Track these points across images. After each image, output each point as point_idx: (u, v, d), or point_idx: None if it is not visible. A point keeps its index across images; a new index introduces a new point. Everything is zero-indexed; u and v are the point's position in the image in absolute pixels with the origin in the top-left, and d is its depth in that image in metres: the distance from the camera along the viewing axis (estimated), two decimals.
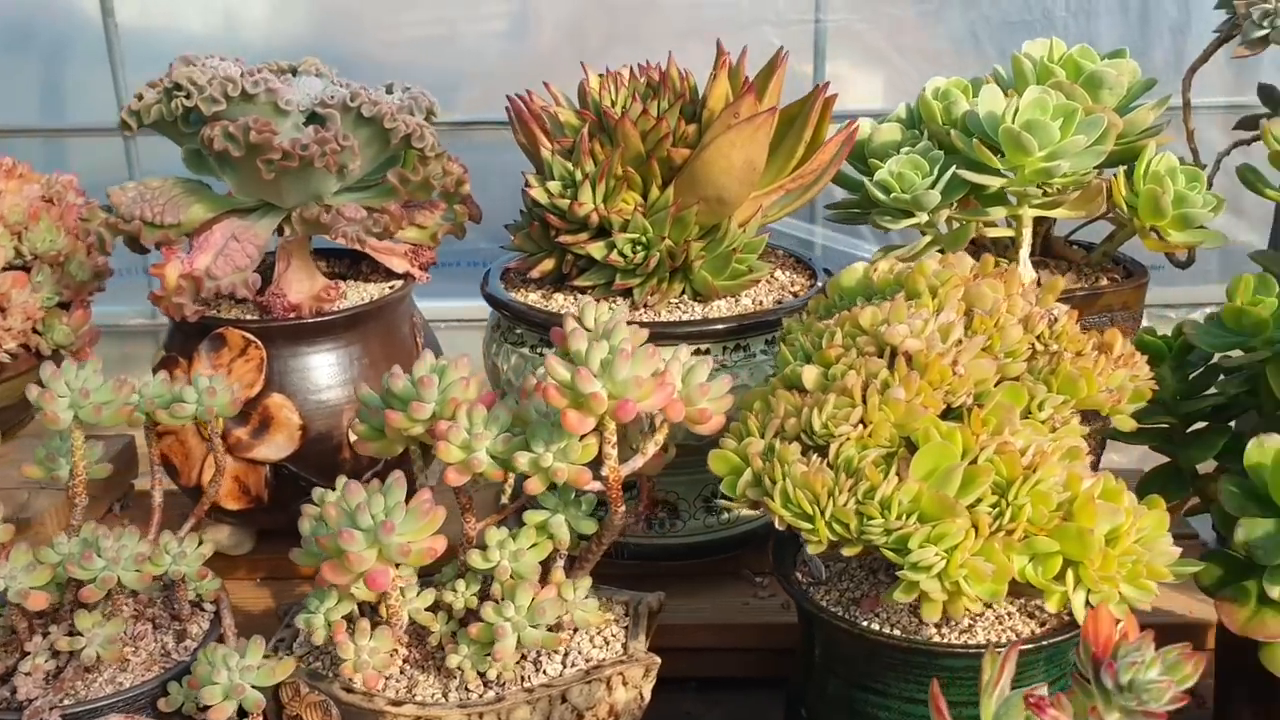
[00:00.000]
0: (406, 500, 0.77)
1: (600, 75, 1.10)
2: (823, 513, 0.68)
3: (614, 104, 1.06)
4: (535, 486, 0.76)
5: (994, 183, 1.02)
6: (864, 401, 0.71)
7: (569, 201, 1.03)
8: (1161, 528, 0.69)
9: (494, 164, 1.41)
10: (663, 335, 1.00)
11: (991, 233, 1.10)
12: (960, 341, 0.73)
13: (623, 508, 0.81)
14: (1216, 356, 0.83)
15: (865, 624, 0.78)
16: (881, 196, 1.05)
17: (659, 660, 0.85)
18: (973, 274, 0.84)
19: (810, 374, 0.75)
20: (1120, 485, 0.70)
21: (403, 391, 0.82)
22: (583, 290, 1.07)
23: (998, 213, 1.05)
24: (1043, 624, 0.77)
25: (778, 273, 1.13)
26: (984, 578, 0.66)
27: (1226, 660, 0.86)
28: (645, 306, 1.04)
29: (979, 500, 0.68)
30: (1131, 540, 0.68)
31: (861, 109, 1.70)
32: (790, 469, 0.69)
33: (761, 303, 1.07)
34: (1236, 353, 0.81)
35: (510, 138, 1.11)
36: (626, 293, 1.06)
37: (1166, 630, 0.61)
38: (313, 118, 1.09)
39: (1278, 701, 0.78)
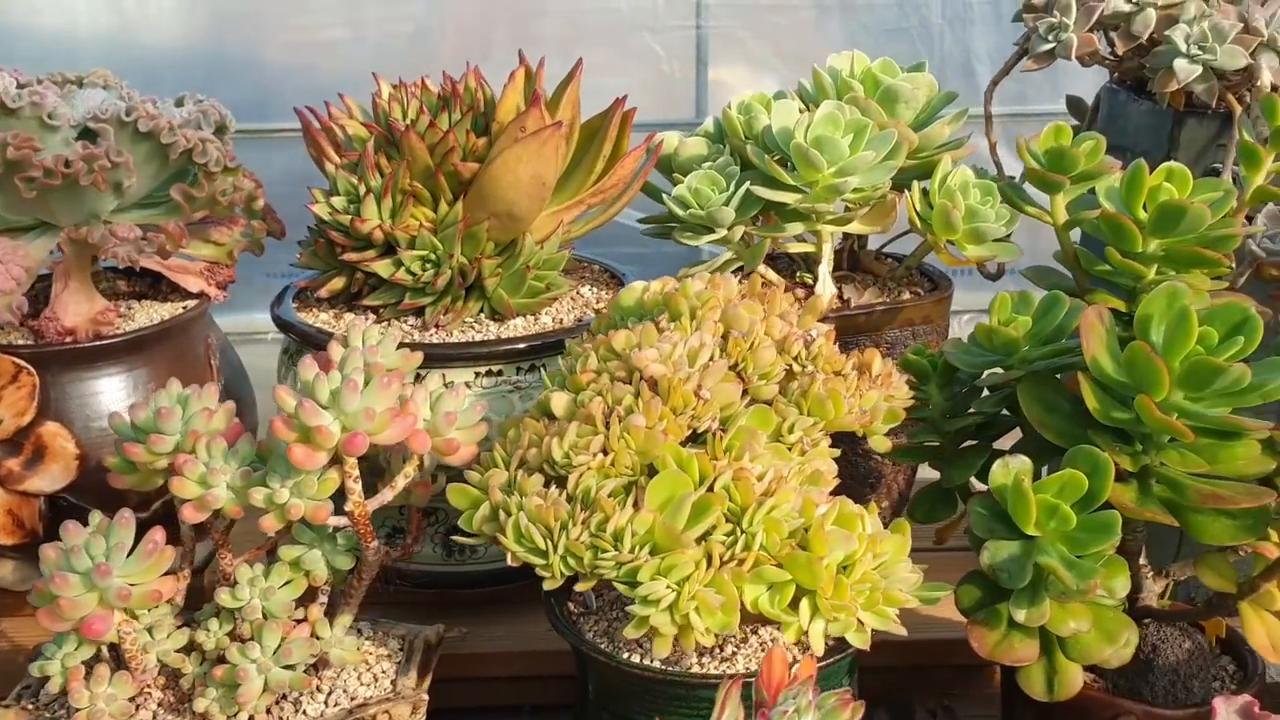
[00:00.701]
0: (139, 539, 0.73)
1: (394, 86, 1.07)
2: (555, 547, 0.66)
3: (404, 116, 1.03)
4: (270, 525, 0.72)
5: (788, 199, 1.01)
6: (607, 429, 0.69)
7: (350, 218, 0.99)
8: (902, 552, 0.68)
9: None
10: (451, 357, 0.97)
11: (794, 248, 1.09)
12: (708, 365, 0.71)
13: (374, 543, 0.78)
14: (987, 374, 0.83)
15: (625, 656, 0.75)
16: (679, 212, 1.03)
17: (426, 698, 0.82)
18: (741, 295, 0.83)
19: (559, 401, 0.72)
20: (860, 510, 0.69)
21: (144, 423, 0.78)
22: (374, 310, 1.04)
23: (795, 228, 1.04)
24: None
25: (584, 289, 1.11)
26: (713, 610, 0.64)
27: (1008, 681, 0.85)
28: (437, 326, 1.01)
29: (713, 529, 0.66)
30: (870, 566, 0.67)
31: None
32: (526, 502, 0.67)
33: (562, 321, 1.05)
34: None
35: None
36: (420, 311, 1.02)
37: None
38: (86, 132, 1.03)
39: None
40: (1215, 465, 0.71)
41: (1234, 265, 0.97)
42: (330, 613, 0.82)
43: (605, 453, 0.68)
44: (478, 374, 0.97)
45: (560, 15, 1.71)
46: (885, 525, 0.72)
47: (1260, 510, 0.69)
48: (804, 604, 0.66)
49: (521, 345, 0.98)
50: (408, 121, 1.02)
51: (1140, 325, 0.71)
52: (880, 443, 0.77)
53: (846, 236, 1.15)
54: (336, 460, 0.73)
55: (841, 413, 0.72)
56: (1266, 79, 0.93)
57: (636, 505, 0.66)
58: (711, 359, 0.73)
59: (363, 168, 1.00)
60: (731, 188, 1.02)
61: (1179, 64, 0.94)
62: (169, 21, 1.66)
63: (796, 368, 0.76)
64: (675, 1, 1.69)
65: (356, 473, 0.74)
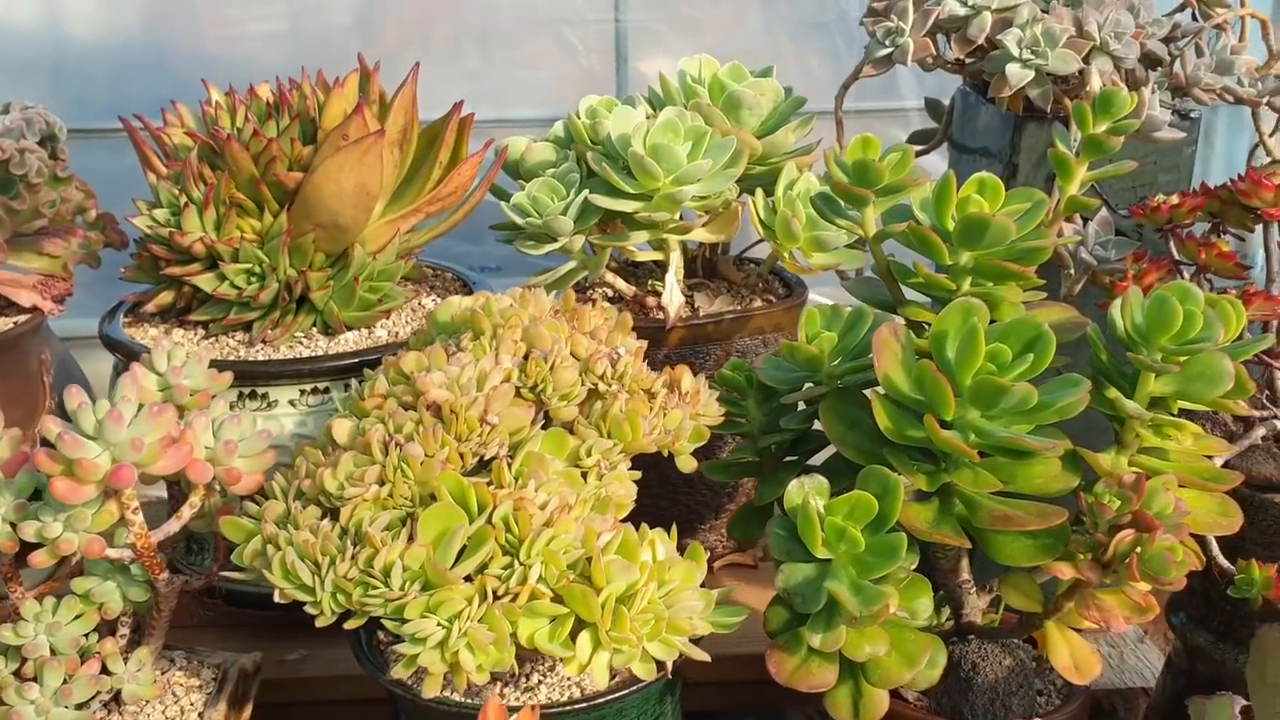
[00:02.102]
0: None
1: (225, 94, 1.03)
2: (323, 583, 0.63)
3: (232, 124, 1.00)
4: (41, 560, 0.69)
5: (627, 207, 0.99)
6: (385, 458, 0.66)
7: (171, 230, 0.95)
8: (691, 579, 0.67)
9: None
10: (273, 374, 0.94)
11: (643, 256, 1.07)
12: (496, 388, 0.69)
13: (163, 574, 0.74)
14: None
15: (419, 687, 0.73)
16: (518, 220, 1.01)
17: None
18: (554, 310, 0.80)
19: (341, 428, 0.70)
20: (653, 535, 0.67)
21: None
22: (202, 325, 1.00)
23: (639, 236, 1.02)
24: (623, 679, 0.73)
25: (427, 299, 1.08)
26: (484, 647, 0.61)
27: None
28: (264, 342, 0.98)
29: (489, 562, 0.64)
30: (654, 595, 0.65)
31: None
32: (295, 536, 0.64)
33: (398, 334, 1.02)
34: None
35: None
36: (249, 326, 0.99)
37: None
38: None
39: None
40: (1015, 484, 0.70)
41: (1074, 272, 0.97)
42: (135, 645, 0.79)
43: (382, 484, 0.66)
44: (303, 391, 0.94)
45: (472, 9, 1.67)
46: None
47: (1058, 529, 0.68)
48: (584, 637, 0.64)
49: (349, 361, 0.95)
50: (234, 129, 0.98)
51: (935, 342, 0.70)
52: (686, 462, 0.75)
53: (702, 243, 1.13)
54: (116, 490, 0.70)
55: (639, 435, 0.70)
56: (1096, 83, 0.92)
57: (412, 538, 0.64)
58: (505, 380, 0.71)
59: (184, 178, 0.96)
60: (571, 195, 1.00)
61: (1011, 69, 0.93)
62: (98, 14, 1.60)
63: (602, 387, 0.74)
64: None
65: (135, 504, 0.70)
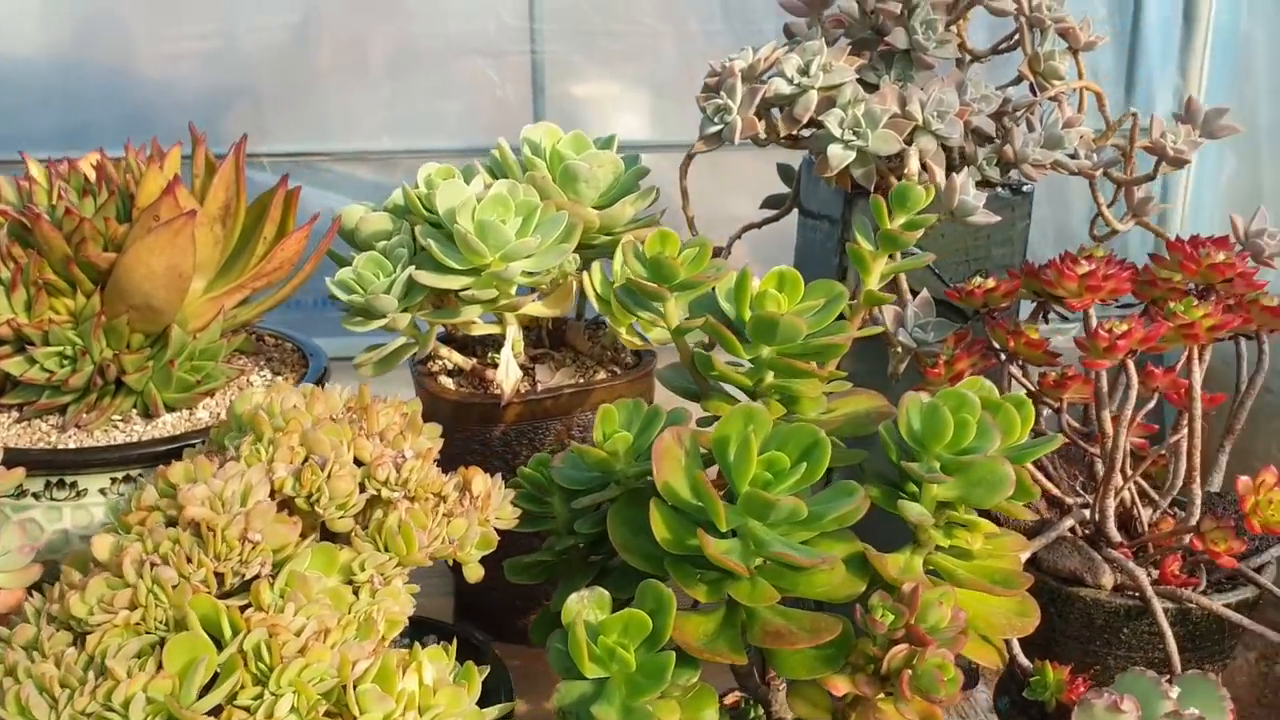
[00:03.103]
0: None
1: (45, 165, 1.00)
2: (59, 718, 0.60)
3: (48, 199, 0.96)
4: None
5: (453, 284, 0.97)
6: (139, 580, 0.64)
7: None
8: (457, 703, 0.65)
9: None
10: (80, 463, 0.91)
11: (478, 330, 1.05)
12: (260, 503, 0.66)
13: None
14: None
15: None
16: (343, 297, 0.98)
17: None
18: (348, 406, 0.78)
19: (102, 545, 0.67)
20: (415, 659, 0.65)
21: None
22: (17, 408, 0.97)
23: (472, 311, 1.00)
24: None
25: (257, 376, 1.06)
26: None
27: None
28: (79, 426, 0.95)
29: (239, 691, 0.61)
30: None
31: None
32: (37, 666, 0.61)
33: (220, 415, 0.99)
34: None
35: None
36: (65, 409, 0.96)
37: None
38: None
39: None
40: (798, 591, 0.68)
41: (894, 365, 0.96)
42: None
43: (134, 608, 0.63)
44: (114, 480, 0.91)
45: (389, 37, 1.64)
46: None
47: (840, 640, 0.67)
48: None
49: (161, 448, 0.92)
50: (48, 206, 0.95)
51: (717, 448, 0.68)
52: (472, 571, 0.73)
53: None
54: None
55: (414, 549, 0.68)
56: (914, 165, 0.92)
57: (160, 668, 0.61)
58: (278, 490, 0.69)
59: None
60: (397, 271, 0.98)
61: (833, 150, 0.92)
62: (28, 30, 1.55)
63: (386, 493, 0.72)
64: (508, 26, 1.64)
65: None
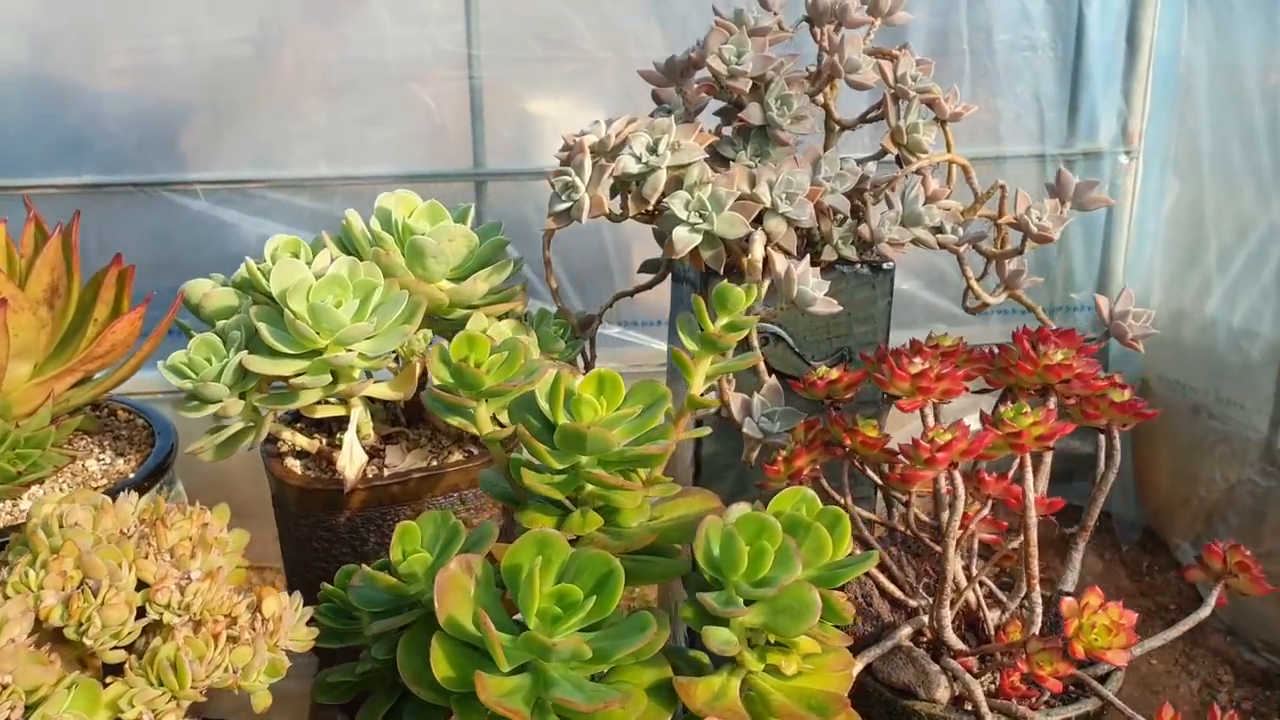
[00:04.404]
0: None
1: None
2: None
3: None
4: None
5: (285, 370, 0.93)
6: None
7: None
8: None
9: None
10: None
11: (322, 411, 1.01)
12: (13, 642, 0.62)
13: None
14: None
15: None
16: (175, 381, 0.94)
17: None
18: (141, 519, 0.74)
19: None
20: None
21: None
22: None
23: (311, 395, 0.96)
24: None
25: (94, 461, 1.01)
26: None
27: None
28: None
29: None
30: None
31: (527, 168, 1.60)
32: None
33: None
34: None
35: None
36: None
37: None
38: None
39: None
40: None
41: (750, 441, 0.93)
42: None
43: None
44: None
45: (327, 64, 1.60)
46: None
47: None
48: None
49: None
50: None
51: (508, 578, 0.65)
52: (260, 700, 0.69)
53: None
54: None
55: (186, 684, 0.64)
56: (758, 251, 0.89)
57: None
58: (45, 620, 0.65)
59: None
60: (230, 355, 0.93)
61: (679, 232, 0.89)
62: None
63: (169, 618, 0.68)
64: (445, 52, 1.61)
65: None
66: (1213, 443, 1.47)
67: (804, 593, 0.64)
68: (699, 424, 0.91)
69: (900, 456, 0.73)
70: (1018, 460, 0.75)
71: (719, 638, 0.66)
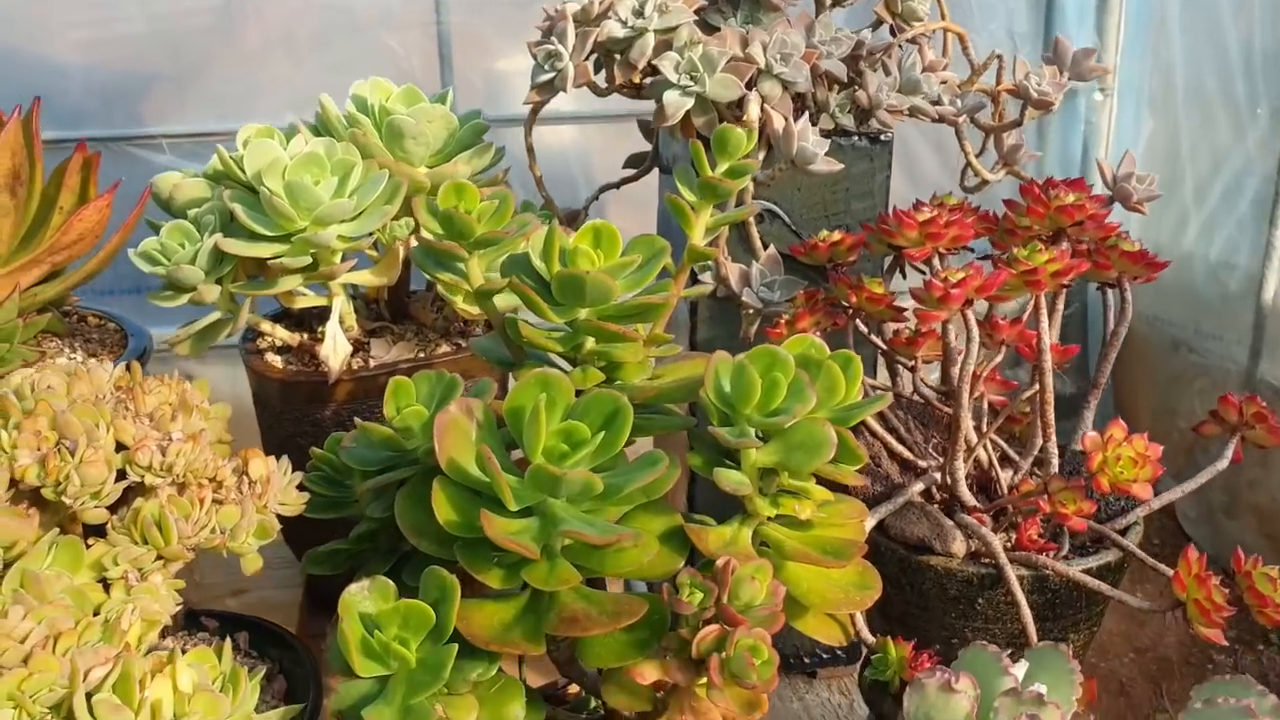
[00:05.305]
0: None
1: None
2: None
3: None
4: None
5: (262, 252, 0.89)
6: None
7: None
8: (214, 711, 0.57)
9: None
10: None
11: (302, 302, 0.97)
12: None
13: None
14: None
15: None
16: (146, 268, 0.90)
17: None
18: (117, 386, 0.71)
19: None
20: (173, 662, 0.57)
21: None
22: None
23: (290, 282, 0.93)
24: None
25: (70, 357, 0.97)
26: None
27: None
28: None
29: None
30: None
31: (497, 115, 1.57)
32: None
33: None
34: None
35: None
36: None
37: None
38: None
39: None
40: (604, 571, 0.62)
41: (749, 312, 0.91)
42: None
43: None
44: None
45: (292, 11, 1.55)
46: None
47: (653, 621, 0.61)
48: None
49: None
50: None
51: (511, 420, 0.62)
52: (250, 563, 0.66)
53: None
54: None
55: (172, 540, 0.61)
56: (753, 112, 0.85)
57: None
58: (16, 483, 0.61)
59: None
60: (204, 239, 0.90)
61: (669, 96, 0.86)
62: None
63: (150, 479, 0.64)
64: None
65: None
66: (1193, 376, 1.46)
67: (817, 428, 0.62)
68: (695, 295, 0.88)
69: (912, 302, 0.70)
70: (1031, 302, 0.73)
71: (731, 479, 0.63)
